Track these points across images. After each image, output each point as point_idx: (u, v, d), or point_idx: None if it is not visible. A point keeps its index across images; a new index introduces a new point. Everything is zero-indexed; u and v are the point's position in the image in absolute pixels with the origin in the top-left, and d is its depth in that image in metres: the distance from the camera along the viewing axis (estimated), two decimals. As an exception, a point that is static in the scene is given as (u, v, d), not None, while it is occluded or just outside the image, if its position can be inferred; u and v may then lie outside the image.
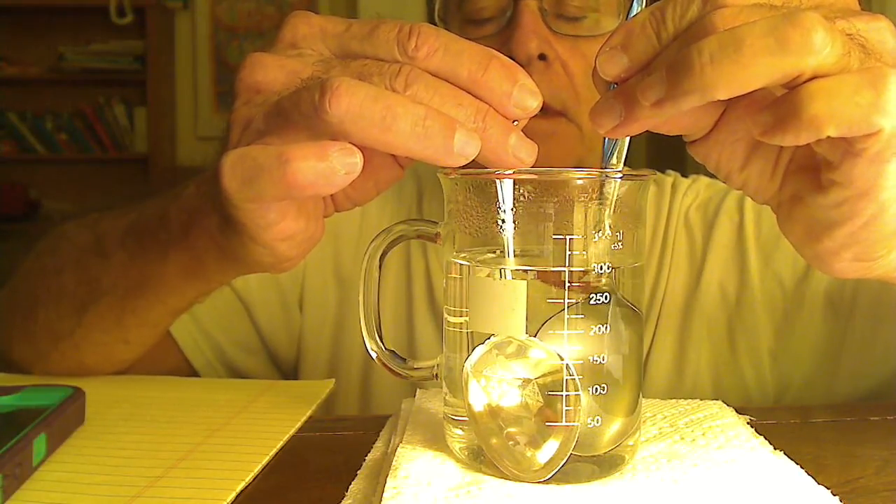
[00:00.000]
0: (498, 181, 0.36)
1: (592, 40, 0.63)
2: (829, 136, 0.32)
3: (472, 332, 0.36)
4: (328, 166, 0.36)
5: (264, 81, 0.40)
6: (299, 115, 0.37)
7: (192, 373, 0.69)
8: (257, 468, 0.40)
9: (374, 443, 0.43)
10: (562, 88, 0.63)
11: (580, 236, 0.35)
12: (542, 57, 0.62)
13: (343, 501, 0.36)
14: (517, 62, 0.39)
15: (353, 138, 0.36)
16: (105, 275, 0.56)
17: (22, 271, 0.63)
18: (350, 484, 0.37)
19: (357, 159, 0.36)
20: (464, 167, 0.37)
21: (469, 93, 0.38)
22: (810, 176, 0.38)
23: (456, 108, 0.37)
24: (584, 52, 0.63)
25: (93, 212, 0.62)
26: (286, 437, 0.44)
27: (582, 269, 0.35)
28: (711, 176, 0.46)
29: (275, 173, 0.36)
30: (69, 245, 0.61)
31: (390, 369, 0.41)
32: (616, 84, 0.37)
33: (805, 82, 0.31)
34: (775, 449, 0.39)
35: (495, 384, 0.35)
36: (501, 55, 0.39)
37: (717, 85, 0.31)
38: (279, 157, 0.36)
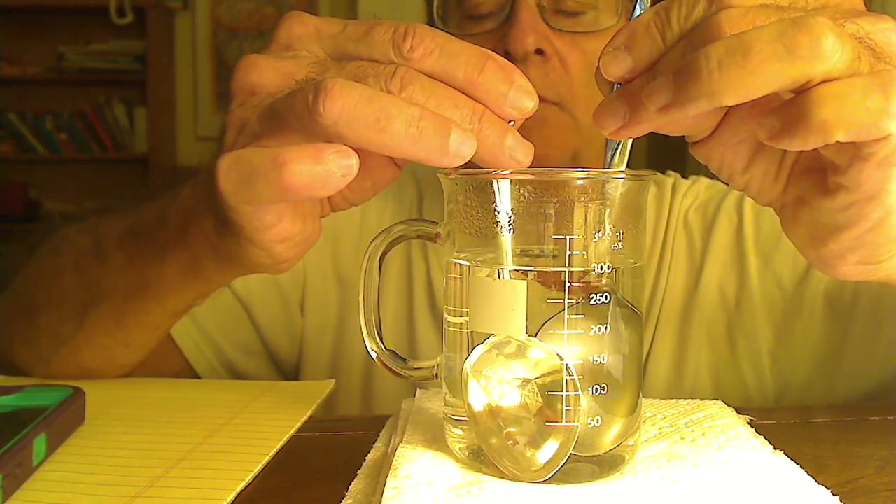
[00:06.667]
0: (497, 181, 0.36)
1: (591, 36, 0.63)
2: (837, 141, 0.32)
3: (472, 332, 0.36)
4: (324, 169, 0.35)
5: (259, 83, 0.40)
6: (294, 116, 0.37)
7: (193, 376, 0.69)
8: (257, 468, 0.40)
9: (374, 443, 0.43)
10: (559, 82, 0.63)
11: (580, 236, 0.35)
12: (539, 52, 0.62)
13: (343, 501, 0.36)
14: (514, 58, 0.39)
15: (347, 140, 0.36)
16: (105, 277, 0.56)
17: (23, 275, 0.63)
18: (350, 484, 0.37)
19: (353, 161, 0.36)
20: (464, 168, 0.37)
21: (465, 94, 0.38)
22: (816, 178, 0.37)
23: (452, 110, 0.37)
24: (583, 48, 0.63)
25: (94, 215, 0.62)
26: (286, 437, 0.44)
27: (582, 269, 0.35)
28: (712, 177, 0.46)
29: (270, 176, 0.36)
30: (69, 249, 0.61)
31: (390, 369, 0.41)
32: (619, 84, 0.36)
33: (814, 86, 0.31)
34: (775, 449, 0.39)
35: (495, 384, 0.35)
36: (497, 56, 0.39)
37: (725, 91, 0.31)
38: (275, 159, 0.36)
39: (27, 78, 3.30)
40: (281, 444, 0.43)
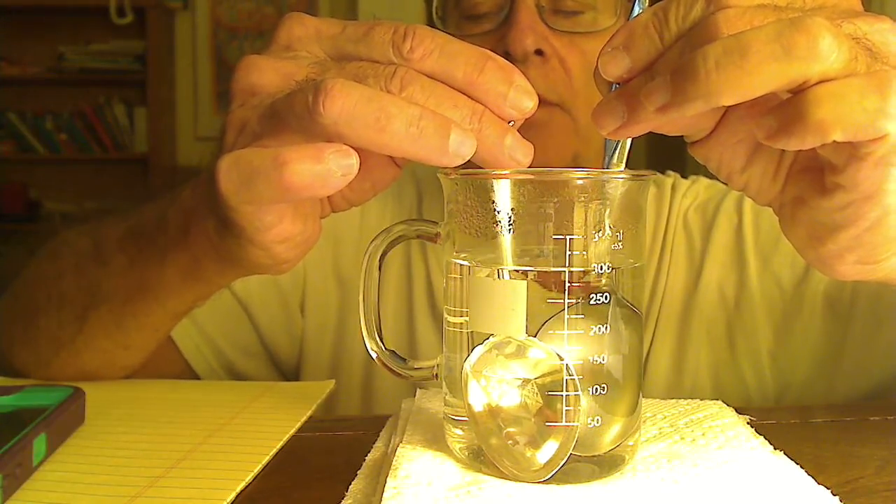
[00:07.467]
0: (497, 181, 0.36)
1: (590, 36, 0.63)
2: (834, 140, 0.32)
3: (472, 332, 0.36)
4: (324, 168, 0.35)
5: (259, 84, 0.40)
6: (294, 116, 0.37)
7: (193, 377, 0.68)
8: (257, 468, 0.40)
9: (374, 443, 0.43)
10: (558, 83, 0.63)
11: (580, 236, 0.35)
12: (539, 52, 0.62)
13: (343, 501, 0.36)
14: (514, 58, 0.39)
15: (347, 140, 0.36)
16: (105, 280, 0.56)
17: (23, 278, 0.63)
18: (350, 484, 0.38)
19: (353, 161, 0.36)
20: (464, 168, 0.37)
21: (465, 94, 0.38)
22: (813, 178, 0.37)
23: (452, 110, 0.37)
24: (582, 48, 0.63)
25: (94, 216, 0.62)
26: (286, 437, 0.44)
27: (582, 269, 0.35)
28: (712, 177, 0.46)
29: (271, 176, 0.36)
30: (69, 251, 0.61)
31: (390, 369, 0.41)
32: (618, 84, 0.37)
33: (811, 86, 0.31)
34: (775, 449, 0.39)
35: (495, 384, 0.36)
36: (497, 56, 0.39)
37: (723, 91, 0.31)
38: (275, 159, 0.36)
39: (27, 78, 3.30)
40: (281, 444, 0.43)
